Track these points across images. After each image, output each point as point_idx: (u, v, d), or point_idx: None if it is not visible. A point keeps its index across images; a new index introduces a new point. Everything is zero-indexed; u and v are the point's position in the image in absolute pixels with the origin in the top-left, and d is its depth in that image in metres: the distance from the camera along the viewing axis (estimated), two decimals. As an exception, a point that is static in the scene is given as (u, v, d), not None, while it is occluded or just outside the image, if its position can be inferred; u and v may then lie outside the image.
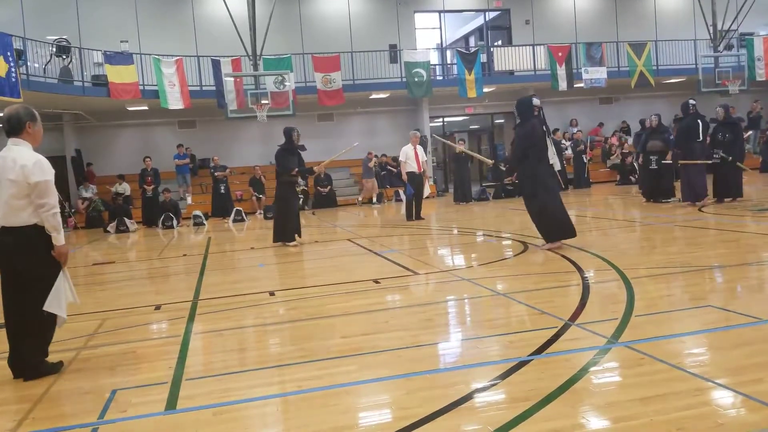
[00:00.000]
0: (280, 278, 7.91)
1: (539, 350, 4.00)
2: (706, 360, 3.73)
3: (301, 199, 11.07)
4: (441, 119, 23.92)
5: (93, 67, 18.26)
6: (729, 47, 22.83)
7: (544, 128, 8.20)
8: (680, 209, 11.62)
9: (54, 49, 16.92)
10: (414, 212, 13.40)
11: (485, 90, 21.12)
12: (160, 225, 16.45)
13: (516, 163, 8.51)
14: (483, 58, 21.52)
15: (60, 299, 4.23)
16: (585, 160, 20.79)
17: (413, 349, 4.28)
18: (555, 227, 8.03)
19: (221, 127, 20.73)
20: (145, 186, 17.37)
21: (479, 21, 24.74)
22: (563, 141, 20.97)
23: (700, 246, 7.85)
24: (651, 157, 13.14)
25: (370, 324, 5.04)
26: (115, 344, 4.97)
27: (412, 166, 13.42)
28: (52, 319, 4.28)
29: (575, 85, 21.61)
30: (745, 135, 18.33)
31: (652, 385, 3.28)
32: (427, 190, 14.19)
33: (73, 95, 17.11)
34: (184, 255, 10.73)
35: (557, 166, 8.31)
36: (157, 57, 18.20)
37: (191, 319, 5.67)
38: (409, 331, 4.74)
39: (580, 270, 6.54)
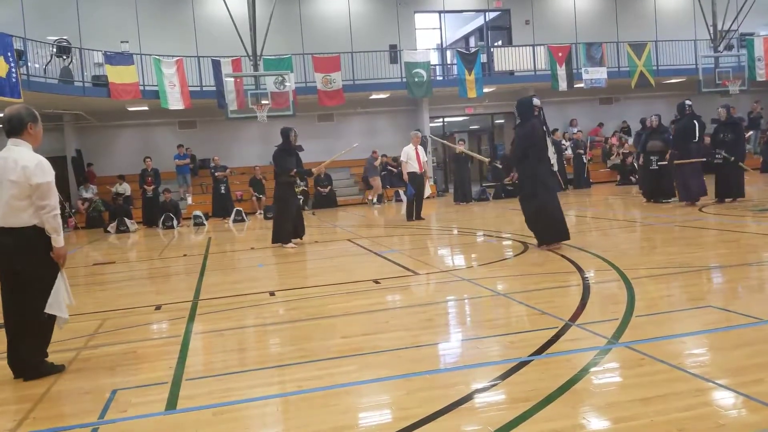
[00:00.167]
0: (281, 278, 7.91)
1: (539, 350, 4.00)
2: (706, 360, 3.72)
3: (302, 200, 11.00)
4: (441, 119, 23.92)
5: (93, 68, 18.25)
6: (729, 47, 22.82)
7: (544, 128, 8.23)
8: (680, 209, 11.62)
9: (54, 50, 16.91)
10: (414, 212, 13.40)
11: (485, 90, 21.12)
12: (160, 225, 16.45)
13: (515, 163, 8.53)
14: (483, 58, 21.51)
15: (60, 300, 4.23)
16: (585, 161, 20.79)
17: (413, 349, 4.28)
18: (552, 228, 8.05)
19: (221, 127, 20.73)
20: (146, 186, 17.37)
21: (479, 21, 24.73)
22: (563, 141, 20.96)
23: (700, 246, 7.85)
24: (651, 158, 13.15)
25: (371, 324, 5.04)
26: (116, 344, 4.97)
27: (413, 166, 13.43)
28: (51, 319, 4.28)
29: (575, 86, 21.60)
30: (746, 135, 18.34)
31: (653, 386, 3.27)
32: (427, 191, 14.20)
33: (73, 95, 17.11)
34: (185, 255, 10.73)
35: (555, 167, 8.31)
36: (157, 57, 18.20)
37: (191, 319, 5.67)
38: (409, 332, 4.74)
39: (580, 270, 6.54)
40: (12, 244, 4.12)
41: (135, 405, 3.59)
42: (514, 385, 3.45)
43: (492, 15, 24.16)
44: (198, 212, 17.05)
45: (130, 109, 19.56)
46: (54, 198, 4.16)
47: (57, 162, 19.28)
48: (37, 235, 4.16)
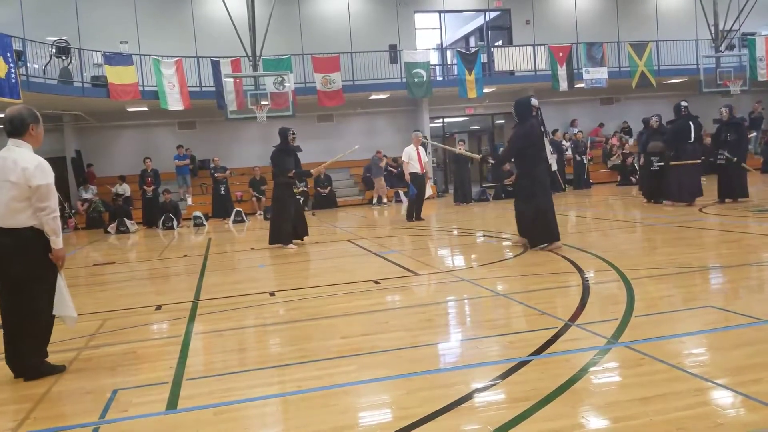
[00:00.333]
0: (281, 279, 7.91)
1: (539, 350, 4.00)
2: (705, 360, 3.73)
3: (302, 200, 10.96)
4: (441, 120, 23.92)
5: (93, 68, 18.26)
6: (730, 47, 22.80)
7: (542, 129, 8.25)
8: (680, 210, 11.62)
9: (54, 50, 16.92)
10: (414, 213, 13.42)
11: (485, 90, 21.12)
12: (160, 226, 16.45)
13: (506, 161, 8.55)
14: (483, 58, 21.50)
15: (65, 301, 4.24)
16: (585, 161, 20.79)
17: (413, 349, 4.29)
18: (547, 230, 8.07)
19: (221, 127, 20.73)
20: (146, 187, 17.38)
21: (479, 21, 24.73)
22: (563, 141, 20.97)
23: (700, 247, 7.86)
24: (652, 158, 13.17)
25: (371, 324, 5.04)
26: (116, 344, 4.97)
27: (414, 167, 13.45)
28: (50, 320, 4.28)
29: (576, 86, 21.59)
30: (749, 135, 18.35)
31: (652, 386, 3.28)
32: (428, 191, 14.21)
33: (72, 96, 17.11)
34: (185, 256, 10.74)
35: (553, 167, 8.32)
36: (156, 58, 18.20)
37: (192, 319, 5.68)
38: (409, 332, 4.75)
39: (580, 270, 6.55)
40: (10, 244, 4.11)
41: (136, 405, 3.59)
42: (514, 385, 3.45)
43: (492, 15, 24.17)
44: (198, 213, 17.06)
45: (129, 109, 19.57)
46: (54, 200, 4.15)
47: (56, 163, 19.28)
48: (35, 237, 4.15)
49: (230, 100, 18.17)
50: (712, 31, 22.15)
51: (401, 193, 19.86)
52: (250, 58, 18.31)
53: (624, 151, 21.69)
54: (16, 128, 4.22)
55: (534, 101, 8.33)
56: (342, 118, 22.22)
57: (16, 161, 4.10)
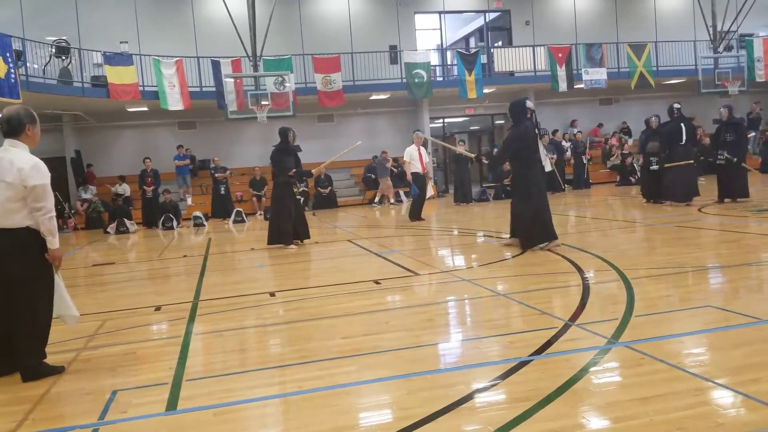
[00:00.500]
0: (281, 279, 7.91)
1: (539, 350, 4.01)
2: (705, 360, 3.73)
3: (302, 200, 10.93)
4: (441, 120, 23.93)
5: (92, 68, 18.26)
6: (729, 48, 22.83)
7: (536, 131, 8.34)
8: (679, 210, 11.64)
9: (53, 50, 16.92)
10: (412, 212, 13.43)
11: (485, 91, 21.13)
12: (160, 226, 16.45)
13: (500, 162, 8.61)
14: (483, 59, 21.50)
15: (65, 301, 4.24)
16: (584, 161, 20.80)
17: (414, 349, 4.29)
18: (544, 230, 8.12)
19: (221, 128, 20.73)
20: (145, 187, 17.38)
21: (479, 22, 24.74)
22: (563, 142, 20.97)
23: (699, 246, 7.86)
24: (651, 158, 13.21)
25: (371, 324, 5.05)
26: (116, 345, 4.97)
27: (416, 167, 13.46)
28: (47, 320, 4.26)
29: (575, 86, 21.61)
30: (748, 136, 18.35)
31: (652, 385, 3.28)
32: (429, 191, 14.23)
33: (72, 96, 17.10)
34: (185, 256, 10.73)
35: (547, 168, 8.44)
36: (156, 58, 18.20)
37: (191, 320, 5.67)
38: (409, 332, 4.75)
39: (580, 270, 6.55)
40: (6, 245, 4.10)
41: (135, 406, 3.59)
42: (514, 385, 3.46)
43: (492, 16, 24.18)
44: (198, 213, 17.06)
45: (129, 109, 19.57)
46: (50, 200, 4.14)
47: (56, 163, 19.29)
48: (31, 237, 4.14)
49: (231, 100, 18.18)
50: (711, 33, 22.17)
51: (402, 193, 19.88)
52: (251, 58, 18.32)
53: (623, 152, 21.70)
54: (13, 128, 4.21)
55: (529, 103, 8.44)
56: (342, 119, 22.23)
57: (12, 161, 4.09)
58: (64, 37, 17.43)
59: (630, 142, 22.60)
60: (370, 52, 21.07)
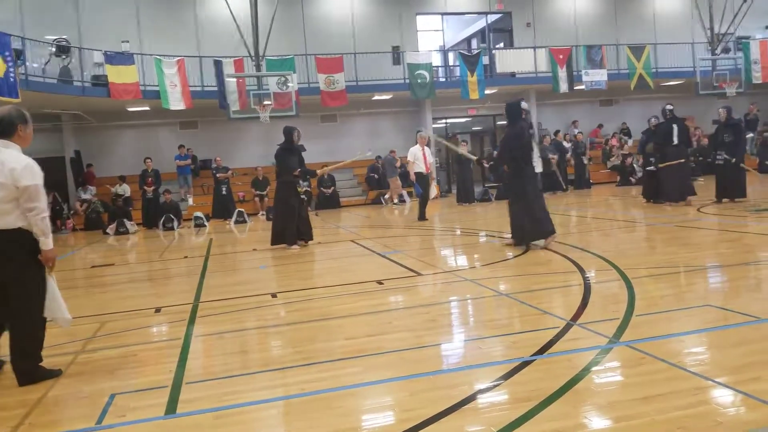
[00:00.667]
0: (282, 280, 7.91)
1: (541, 350, 4.01)
2: (706, 359, 3.74)
3: (306, 200, 10.84)
4: (444, 121, 23.95)
5: (93, 67, 18.23)
6: (726, 50, 22.89)
7: (530, 131, 8.57)
8: (679, 210, 11.65)
9: (53, 49, 16.91)
10: (421, 213, 13.44)
11: (487, 92, 21.14)
12: (160, 227, 16.43)
13: (502, 163, 8.81)
14: (485, 60, 21.53)
15: (58, 303, 4.22)
16: (585, 162, 20.80)
17: (417, 350, 4.28)
18: (540, 227, 8.28)
19: (223, 127, 20.71)
20: (146, 187, 17.36)
21: (481, 23, 24.75)
22: (564, 142, 20.97)
23: (699, 246, 7.87)
24: (650, 159, 13.27)
25: (374, 325, 5.04)
26: (115, 347, 4.95)
27: (420, 167, 13.47)
28: (41, 321, 4.23)
29: (576, 87, 21.66)
30: (746, 136, 18.38)
31: (653, 385, 3.28)
32: (433, 191, 14.27)
33: (72, 95, 17.09)
34: (185, 257, 10.72)
35: (537, 168, 8.61)
36: (158, 57, 18.19)
37: (192, 321, 5.65)
38: (412, 332, 4.74)
39: (581, 270, 6.55)
40: (1, 246, 4.10)
41: (134, 409, 3.55)
42: (517, 385, 3.46)
43: (493, 17, 24.20)
44: (199, 213, 17.04)
45: (130, 109, 19.57)
46: (42, 201, 4.12)
47: (55, 162, 19.27)
48: (24, 238, 4.12)
49: (233, 100, 18.17)
50: (708, 35, 22.20)
51: (405, 193, 19.89)
52: (254, 58, 18.30)
53: (623, 152, 21.71)
54: (5, 129, 4.18)
55: (524, 104, 8.61)
56: (345, 119, 22.24)
57: (4, 162, 4.07)
58: (64, 36, 17.43)
59: (630, 142, 22.63)
60: (373, 53, 21.08)
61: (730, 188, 12.21)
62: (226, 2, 17.65)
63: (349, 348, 4.43)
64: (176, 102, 18.38)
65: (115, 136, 20.79)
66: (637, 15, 24.48)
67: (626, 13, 24.33)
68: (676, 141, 12.39)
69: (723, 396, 3.14)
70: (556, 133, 21.41)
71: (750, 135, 21.89)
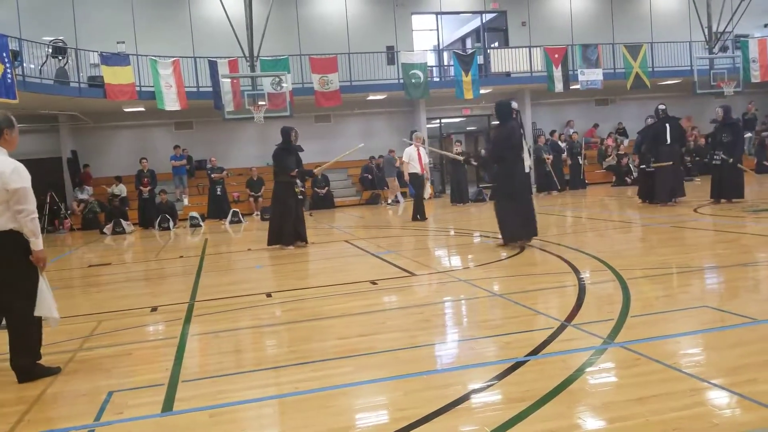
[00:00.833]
0: (277, 280, 7.91)
1: (535, 351, 4.01)
2: (701, 360, 3.74)
3: (302, 199, 10.80)
4: (438, 121, 23.95)
5: (89, 68, 18.22)
6: (724, 49, 22.90)
7: (521, 131, 8.59)
8: (675, 210, 11.67)
9: (50, 50, 16.88)
10: (413, 213, 13.44)
11: (482, 91, 21.14)
12: (156, 226, 16.42)
13: (492, 162, 8.89)
14: (480, 59, 21.55)
15: (48, 302, 4.25)
16: (580, 162, 20.82)
17: (410, 350, 4.29)
18: (525, 228, 8.40)
19: (218, 128, 20.70)
20: (142, 187, 17.36)
21: (476, 23, 24.77)
22: (559, 142, 20.99)
23: (695, 247, 7.88)
24: (651, 159, 13.26)
25: (367, 325, 5.04)
26: (112, 346, 4.96)
27: (415, 167, 13.47)
28: (35, 320, 4.27)
29: (571, 87, 21.67)
30: (744, 136, 18.46)
31: (648, 386, 3.29)
32: (428, 192, 14.27)
33: (69, 96, 17.07)
34: (181, 257, 10.72)
35: (526, 169, 8.73)
36: (153, 58, 18.18)
37: (188, 320, 5.66)
38: (406, 332, 4.75)
39: (576, 271, 6.56)
40: None
41: (131, 407, 3.58)
42: (510, 386, 3.46)
43: (488, 17, 24.20)
44: (194, 213, 17.03)
45: (126, 110, 19.54)
46: (31, 202, 4.16)
47: (52, 163, 19.28)
48: (15, 239, 4.15)
49: (228, 100, 18.14)
50: (706, 33, 22.20)
51: (399, 194, 19.89)
52: (248, 58, 18.27)
53: (619, 152, 21.73)
54: None
55: (514, 104, 8.70)
56: (339, 119, 22.23)
57: None
58: (60, 37, 17.42)
59: (626, 142, 22.64)
60: (367, 53, 21.08)
61: (728, 189, 12.22)
62: (221, 3, 17.62)
63: (342, 347, 4.43)
64: (171, 102, 18.36)
65: (111, 136, 20.77)
66: (633, 13, 24.51)
67: (622, 11, 24.36)
68: (669, 140, 12.44)
69: (719, 397, 3.14)
70: (552, 133, 21.45)
71: (748, 135, 21.94)
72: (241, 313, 5.91)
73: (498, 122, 8.75)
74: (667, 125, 12.50)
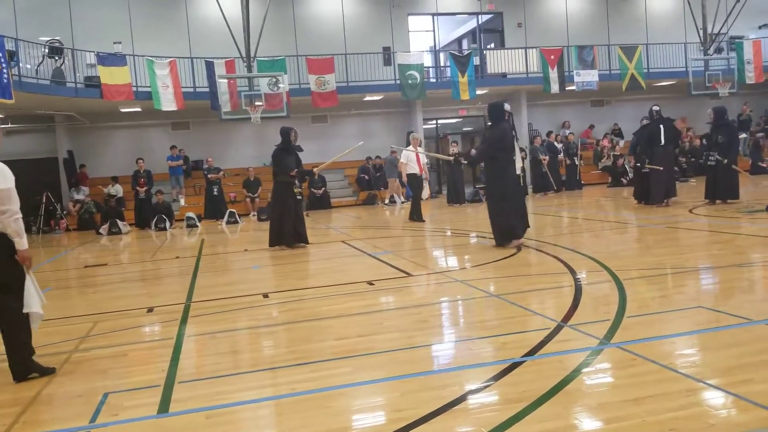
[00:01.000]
0: (274, 280, 7.91)
1: (532, 351, 4.02)
2: (697, 361, 3.75)
3: (300, 200, 10.71)
4: (434, 121, 23.97)
5: (86, 69, 18.18)
6: (719, 50, 22.98)
7: (513, 133, 8.67)
8: (670, 211, 11.70)
9: (46, 50, 16.84)
10: (411, 213, 13.45)
11: (478, 92, 21.16)
12: (152, 227, 16.40)
13: (480, 160, 8.97)
14: (476, 60, 21.57)
15: (34, 299, 4.29)
16: (576, 163, 20.87)
17: (407, 350, 4.29)
18: (514, 229, 8.47)
19: (215, 128, 20.69)
20: (138, 188, 17.33)
21: (472, 24, 24.79)
22: (555, 143, 21.04)
23: (691, 247, 7.90)
24: (647, 160, 13.33)
25: (365, 326, 5.05)
26: (107, 347, 4.95)
27: (413, 168, 13.48)
28: (23, 318, 4.29)
29: (567, 88, 21.70)
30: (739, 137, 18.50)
31: (644, 386, 3.29)
32: (426, 192, 14.30)
33: (65, 96, 17.04)
34: (177, 257, 10.70)
35: (518, 171, 8.80)
36: (150, 58, 18.15)
37: (184, 321, 5.65)
38: (403, 333, 4.75)
39: (572, 271, 6.57)
40: None
41: (127, 408, 3.57)
42: (507, 386, 3.46)
43: (485, 18, 24.23)
44: (191, 214, 17.01)
45: (122, 110, 19.51)
46: (15, 203, 4.19)
47: (48, 163, 19.24)
48: (2, 240, 4.18)
49: (224, 101, 18.14)
50: (701, 35, 22.29)
51: (395, 195, 19.89)
52: (245, 59, 18.28)
53: (614, 153, 21.78)
54: None
55: (507, 106, 8.77)
56: (336, 120, 22.23)
57: None
58: (57, 38, 17.37)
59: (621, 143, 22.70)
60: (364, 54, 21.08)
61: (723, 190, 12.27)
62: (218, 3, 17.61)
63: (340, 348, 4.44)
64: (168, 103, 18.34)
65: (107, 136, 20.73)
66: (629, 15, 24.56)
67: (618, 13, 24.41)
68: (663, 141, 12.50)
69: (715, 398, 3.14)
70: (549, 134, 21.48)
71: (743, 136, 22.01)
72: (237, 313, 5.91)
73: (490, 124, 8.78)
74: (661, 126, 12.59)
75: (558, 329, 4.46)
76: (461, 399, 3.32)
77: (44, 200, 17.26)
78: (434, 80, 22.97)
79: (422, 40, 23.59)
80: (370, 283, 6.77)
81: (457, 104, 22.26)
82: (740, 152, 20.86)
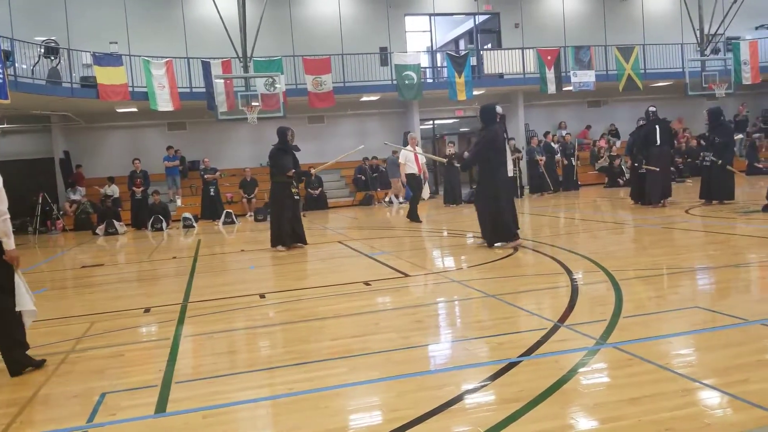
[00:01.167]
0: (271, 281, 7.90)
1: (528, 351, 4.02)
2: (693, 361, 3.76)
3: (298, 200, 10.66)
4: (431, 122, 23.98)
5: (82, 69, 18.15)
6: (716, 51, 23.03)
7: (505, 135, 8.73)
8: (666, 211, 11.73)
9: (42, 50, 16.81)
10: (408, 213, 13.44)
11: (475, 93, 21.18)
12: (149, 227, 16.37)
13: (472, 163, 9.02)
14: (473, 61, 21.59)
15: (26, 297, 4.34)
16: (573, 163, 20.90)
17: (403, 351, 4.29)
18: (506, 230, 8.52)
19: (211, 128, 20.67)
20: (135, 188, 17.29)
21: (469, 24, 24.81)
22: (552, 143, 21.06)
23: (687, 248, 7.92)
24: (643, 161, 13.37)
25: (361, 326, 5.05)
26: (104, 347, 4.95)
27: (412, 168, 13.48)
28: (15, 316, 4.34)
29: (564, 88, 21.73)
30: (735, 138, 18.55)
31: (641, 386, 3.30)
32: (425, 192, 14.30)
33: (61, 97, 17.00)
34: (174, 258, 10.69)
35: (510, 173, 8.87)
36: (146, 58, 18.12)
37: (181, 321, 5.65)
38: (399, 333, 4.75)
39: (568, 272, 6.58)
40: None
41: (124, 408, 3.57)
42: (504, 386, 3.47)
43: (481, 18, 24.24)
44: (187, 214, 16.98)
45: (118, 110, 19.47)
46: (3, 204, 4.21)
47: (45, 163, 19.21)
48: None
49: (221, 101, 18.13)
50: (698, 35, 22.34)
51: (393, 196, 19.90)
52: (241, 59, 18.27)
53: (611, 154, 21.82)
54: None
55: (499, 109, 8.81)
56: (333, 120, 22.22)
57: None
58: (53, 38, 17.33)
59: (618, 144, 22.74)
60: (361, 54, 21.08)
61: (718, 190, 12.31)
62: (214, 3, 17.60)
63: (336, 348, 4.44)
64: (164, 103, 18.32)
65: (103, 137, 20.70)
66: (625, 15, 24.61)
67: (615, 13, 24.46)
68: (659, 142, 12.54)
69: (711, 398, 3.15)
70: (546, 134, 21.50)
71: (739, 136, 22.06)
72: (234, 314, 5.90)
73: (482, 126, 8.81)
74: (657, 127, 12.63)
75: (554, 329, 4.47)
76: (457, 399, 3.33)
77: (40, 201, 17.24)
78: (431, 81, 22.96)
79: (419, 40, 23.60)
80: (367, 284, 6.77)
81: (454, 105, 22.27)
82: (736, 153, 20.94)
